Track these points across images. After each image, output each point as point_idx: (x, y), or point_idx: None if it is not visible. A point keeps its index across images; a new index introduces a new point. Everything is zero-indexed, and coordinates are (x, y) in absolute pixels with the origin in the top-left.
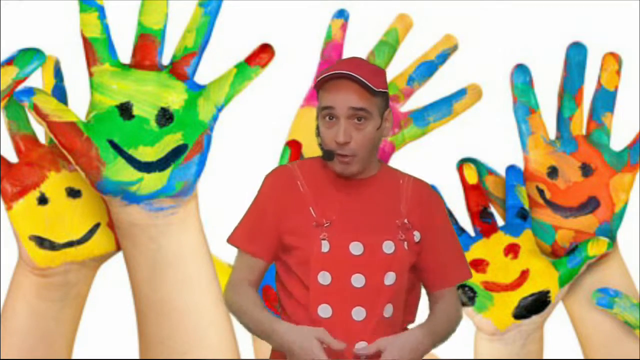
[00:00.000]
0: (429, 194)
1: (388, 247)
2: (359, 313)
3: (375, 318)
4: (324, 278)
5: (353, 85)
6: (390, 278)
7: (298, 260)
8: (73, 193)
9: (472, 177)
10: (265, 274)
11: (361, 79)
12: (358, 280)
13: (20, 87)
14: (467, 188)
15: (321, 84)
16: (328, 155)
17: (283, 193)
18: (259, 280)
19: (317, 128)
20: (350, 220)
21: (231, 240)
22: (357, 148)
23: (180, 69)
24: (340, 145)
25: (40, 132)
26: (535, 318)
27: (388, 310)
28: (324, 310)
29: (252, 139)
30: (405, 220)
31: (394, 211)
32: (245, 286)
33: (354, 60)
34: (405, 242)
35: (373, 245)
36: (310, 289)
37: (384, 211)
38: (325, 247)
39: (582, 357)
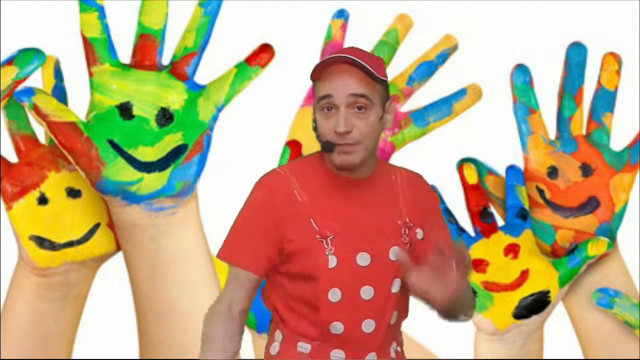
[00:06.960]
0: (422, 186)
1: (394, 253)
2: (369, 325)
3: (383, 328)
4: (334, 295)
5: (353, 70)
6: (396, 285)
7: (302, 273)
8: (73, 193)
9: (472, 177)
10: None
11: (361, 62)
12: (367, 293)
13: (20, 87)
14: (467, 188)
15: (318, 73)
16: (327, 146)
17: (279, 203)
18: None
19: (314, 122)
20: (354, 228)
21: (221, 255)
22: (360, 136)
23: (180, 69)
24: (340, 135)
25: (40, 132)
26: (535, 318)
27: (394, 318)
28: (336, 327)
29: (252, 139)
30: (407, 219)
31: (395, 211)
32: (225, 313)
33: (352, 48)
34: (409, 245)
35: (380, 253)
36: (320, 307)
37: (385, 213)
38: (332, 262)
39: (582, 357)
